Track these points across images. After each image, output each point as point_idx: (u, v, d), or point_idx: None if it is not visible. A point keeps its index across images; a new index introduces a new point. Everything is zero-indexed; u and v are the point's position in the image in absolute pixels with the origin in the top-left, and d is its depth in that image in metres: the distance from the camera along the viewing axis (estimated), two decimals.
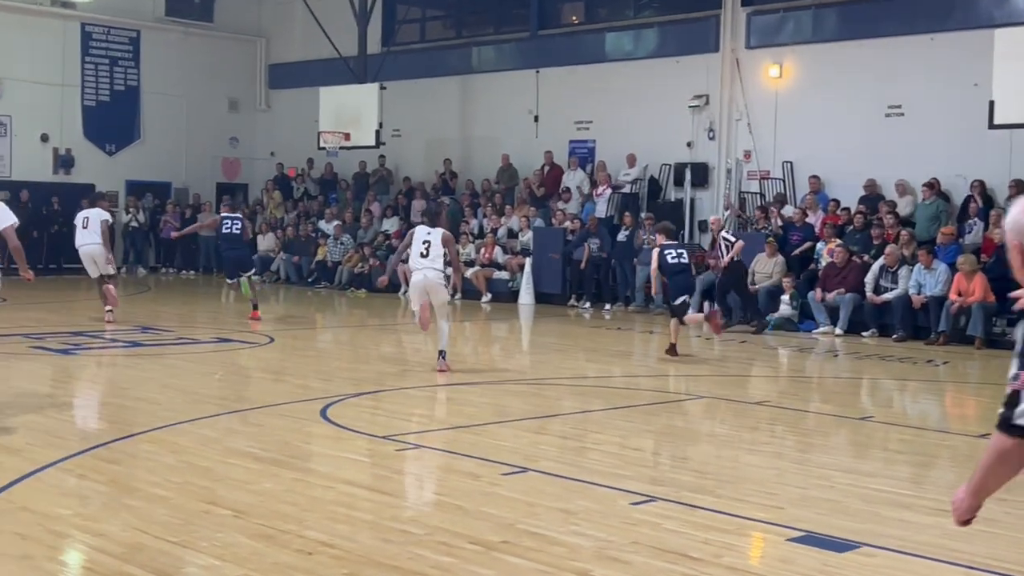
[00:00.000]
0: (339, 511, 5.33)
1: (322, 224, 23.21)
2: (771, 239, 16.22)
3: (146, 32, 25.22)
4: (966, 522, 2.95)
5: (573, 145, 21.09)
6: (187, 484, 5.80)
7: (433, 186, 22.92)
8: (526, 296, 18.69)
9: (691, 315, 12.49)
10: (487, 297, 18.67)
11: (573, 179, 20.32)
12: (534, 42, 21.83)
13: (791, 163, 18.13)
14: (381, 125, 20.68)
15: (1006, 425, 2.67)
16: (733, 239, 15.20)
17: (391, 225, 22.32)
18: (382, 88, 20.73)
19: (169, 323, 14.67)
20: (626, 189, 19.62)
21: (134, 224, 24.23)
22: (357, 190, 24.01)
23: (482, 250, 19.56)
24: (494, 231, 19.10)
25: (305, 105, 23.73)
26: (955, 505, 2.95)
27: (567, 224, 18.80)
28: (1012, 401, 2.63)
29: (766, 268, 16.12)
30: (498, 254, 19.46)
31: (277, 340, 12.90)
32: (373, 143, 20.83)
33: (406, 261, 10.44)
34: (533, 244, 19.13)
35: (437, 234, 10.37)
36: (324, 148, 21.49)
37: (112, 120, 24.71)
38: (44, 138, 23.93)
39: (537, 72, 21.49)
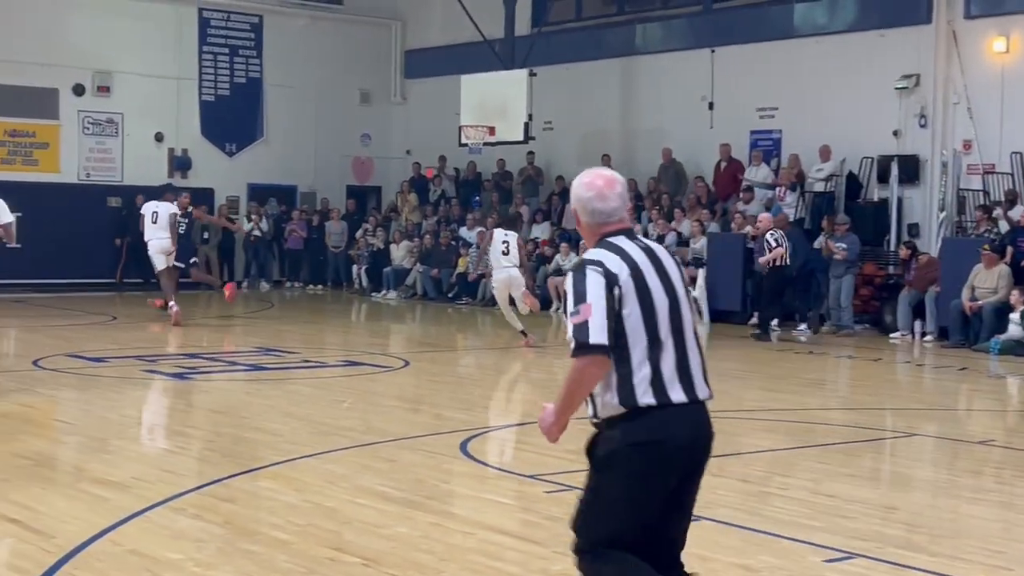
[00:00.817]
0: (481, 561, 5.36)
1: (463, 231, 23.53)
2: (986, 247, 15.65)
3: (269, 18, 26.13)
4: (557, 440, 4.03)
5: (755, 136, 20.79)
6: (311, 527, 5.94)
7: None
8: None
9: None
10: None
11: (755, 176, 20.03)
12: (708, 17, 21.65)
13: (1021, 155, 17.41)
14: (531, 117, 20.84)
15: (585, 348, 3.76)
16: (774, 243, 16.16)
17: (542, 232, 22.45)
18: (532, 74, 20.90)
19: (293, 344, 15.10)
20: (818, 187, 19.21)
21: (256, 233, 25.05)
22: (503, 192, 24.25)
23: None
24: (660, 238, 18.90)
25: (445, 96, 24.12)
26: (545, 428, 4.01)
27: (748, 229, 18.53)
28: (582, 330, 3.76)
29: (988, 281, 15.55)
30: None
31: (412, 364, 13.13)
32: (521, 138, 21.00)
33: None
34: (708, 253, 18.93)
35: (513, 236, 14.89)
36: (466, 144, 21.79)
37: (232, 117, 25.68)
38: (159, 138, 25.04)
39: (712, 52, 21.29)
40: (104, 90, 24.17)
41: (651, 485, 3.87)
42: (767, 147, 20.56)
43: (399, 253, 23.91)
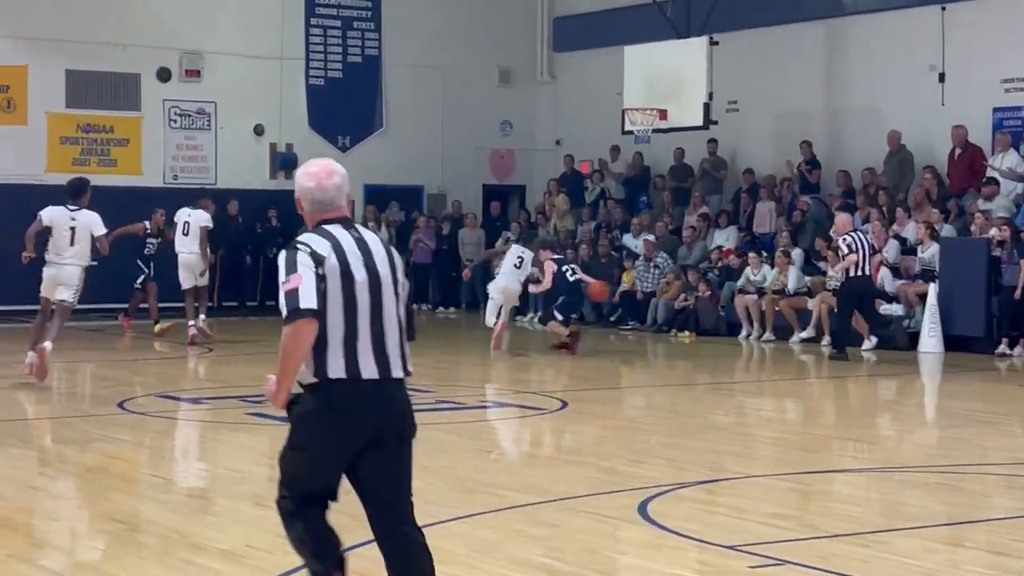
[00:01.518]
0: None
1: (627, 239, 23.55)
2: None
3: None
4: (283, 406, 5.23)
5: (999, 115, 20.34)
6: None
7: (785, 181, 22.73)
8: (931, 340, 18.16)
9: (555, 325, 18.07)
10: (869, 343, 18.26)
11: (1001, 165, 19.61)
12: None
13: None
14: (711, 96, 20.76)
15: (296, 312, 5.05)
16: (847, 249, 17.04)
17: (726, 238, 22.32)
18: (713, 43, 20.82)
19: (424, 380, 15.29)
20: None
21: None
22: (677, 190, 24.19)
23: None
24: (872, 250, 18.15)
25: (603, 73, 24.18)
26: (271, 395, 5.23)
27: (993, 233, 18.13)
28: (292, 297, 5.08)
29: None
30: (885, 278, 19.04)
31: (571, 405, 13.20)
32: (700, 122, 20.94)
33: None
34: (940, 263, 18.57)
35: (530, 255, 18.07)
36: (631, 132, 21.82)
37: (346, 103, 26.20)
38: (258, 130, 25.70)
39: (943, 9, 20.93)
40: (193, 74, 24.93)
41: (332, 449, 5.27)
42: (1015, 128, 20.10)
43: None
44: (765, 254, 20.83)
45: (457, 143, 27.10)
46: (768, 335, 19.88)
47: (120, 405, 12.78)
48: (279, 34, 25.65)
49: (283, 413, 5.34)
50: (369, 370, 5.20)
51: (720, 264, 21.53)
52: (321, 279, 5.15)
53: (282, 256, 5.27)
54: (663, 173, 24.79)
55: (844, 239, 17.21)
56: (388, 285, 5.29)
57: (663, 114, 21.09)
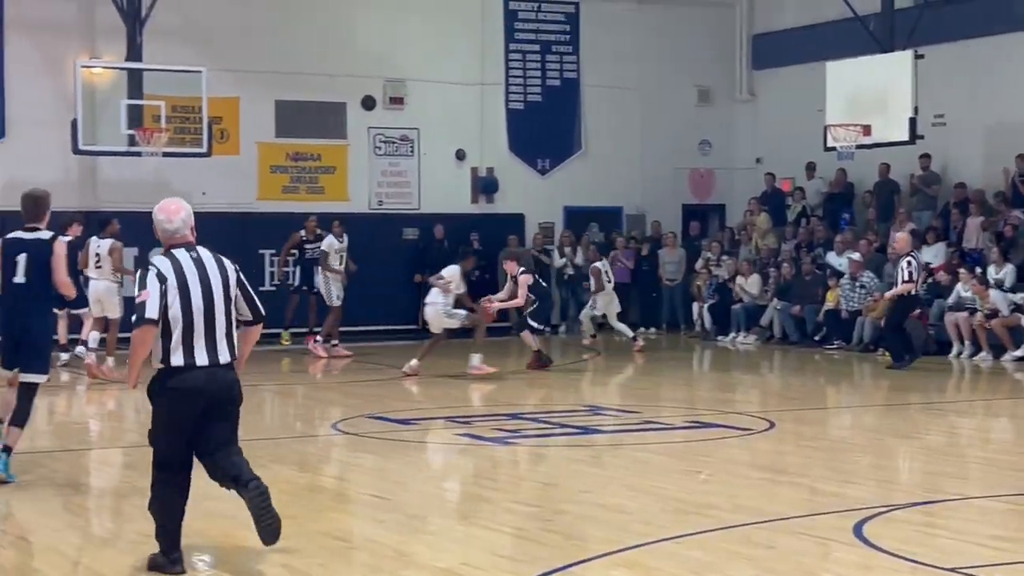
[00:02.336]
0: None
1: (831, 257, 23.23)
2: None
3: (587, 6, 26.75)
4: (135, 386, 7.28)
5: None
6: None
7: (999, 195, 22.15)
8: None
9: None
10: None
11: None
12: None
13: None
14: (917, 111, 20.37)
15: (141, 320, 6.87)
16: (907, 274, 17.79)
17: (935, 255, 21.82)
18: (918, 56, 20.42)
19: (629, 401, 15.35)
20: None
21: (570, 271, 25.58)
22: (882, 206, 23.77)
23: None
24: None
25: (804, 89, 23.92)
26: (127, 378, 7.20)
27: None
28: (141, 308, 6.88)
29: None
30: None
31: (778, 425, 13.08)
32: (906, 136, 20.55)
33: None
34: None
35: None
36: (834, 148, 21.53)
37: (545, 127, 26.42)
38: (460, 156, 26.07)
39: None
40: (397, 102, 25.42)
41: (176, 419, 7.12)
42: None
43: (750, 286, 23.85)
44: (979, 270, 20.34)
45: (656, 163, 27.08)
46: (984, 353, 19.40)
47: (334, 426, 13.09)
48: (479, 60, 26.00)
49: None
50: (202, 359, 7.05)
51: (929, 280, 21.06)
52: (164, 294, 6.98)
53: (139, 273, 7.08)
54: (866, 189, 24.39)
55: (910, 260, 17.81)
56: (219, 293, 7.11)
57: (867, 130, 20.77)
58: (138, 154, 21.19)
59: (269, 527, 7.22)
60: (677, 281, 25.54)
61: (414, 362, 17.77)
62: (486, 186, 26.12)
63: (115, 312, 18.35)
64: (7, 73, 22.70)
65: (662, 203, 27.18)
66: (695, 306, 24.97)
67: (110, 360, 17.79)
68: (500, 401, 15.47)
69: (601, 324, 22.32)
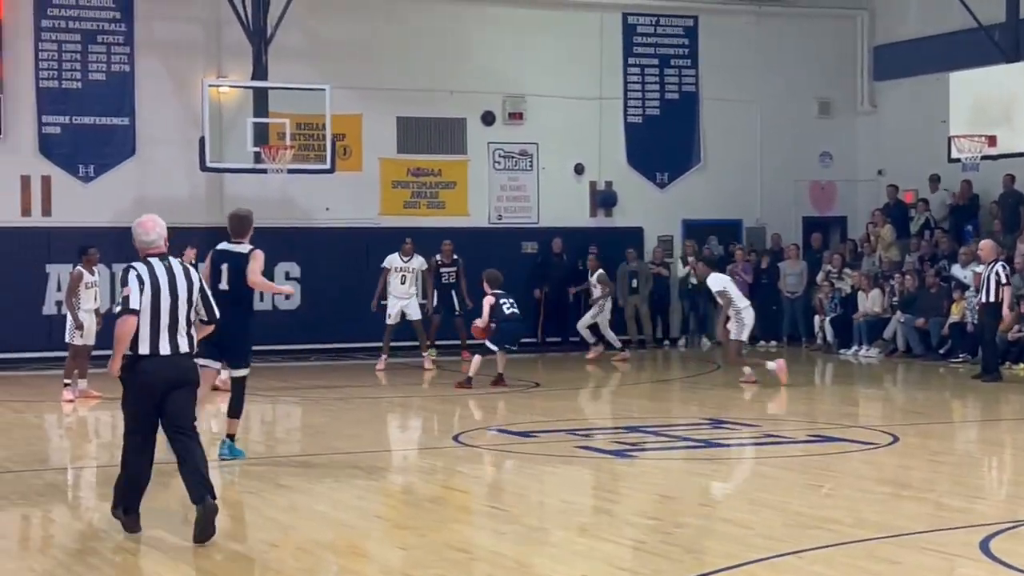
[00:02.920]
0: None
1: (956, 269, 22.83)
2: None
3: (706, 19, 26.66)
4: (117, 373, 8.63)
5: None
6: None
7: None
8: None
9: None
10: None
11: None
12: None
13: None
14: None
15: (127, 310, 8.40)
16: (1005, 278, 17.78)
17: None
18: None
19: (749, 414, 15.23)
20: None
21: (693, 281, 25.44)
22: (1008, 218, 23.32)
23: None
24: None
25: (927, 100, 23.58)
26: (111, 364, 8.65)
27: None
28: (127, 300, 8.44)
29: None
30: None
31: (902, 439, 12.89)
32: None
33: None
34: None
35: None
36: (958, 159, 21.21)
37: (663, 141, 26.33)
38: (578, 170, 26.09)
39: None
40: (517, 117, 25.53)
41: (142, 396, 8.56)
42: None
43: (873, 299, 23.54)
44: None
45: (776, 176, 26.89)
46: None
47: (455, 439, 13.17)
48: (598, 75, 26.00)
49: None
50: (165, 349, 8.50)
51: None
52: (141, 292, 8.43)
53: (122, 273, 8.69)
54: (991, 200, 23.96)
55: (1003, 268, 18.05)
56: (183, 297, 8.57)
57: (992, 140, 20.45)
58: (263, 171, 21.52)
59: (201, 534, 8.29)
60: (798, 294, 25.28)
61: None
62: (605, 200, 26.11)
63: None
64: (138, 93, 23.21)
65: (782, 215, 26.97)
66: (816, 319, 24.72)
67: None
68: (620, 414, 15.45)
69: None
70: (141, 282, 8.46)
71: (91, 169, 22.98)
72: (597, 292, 22.39)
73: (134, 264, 8.61)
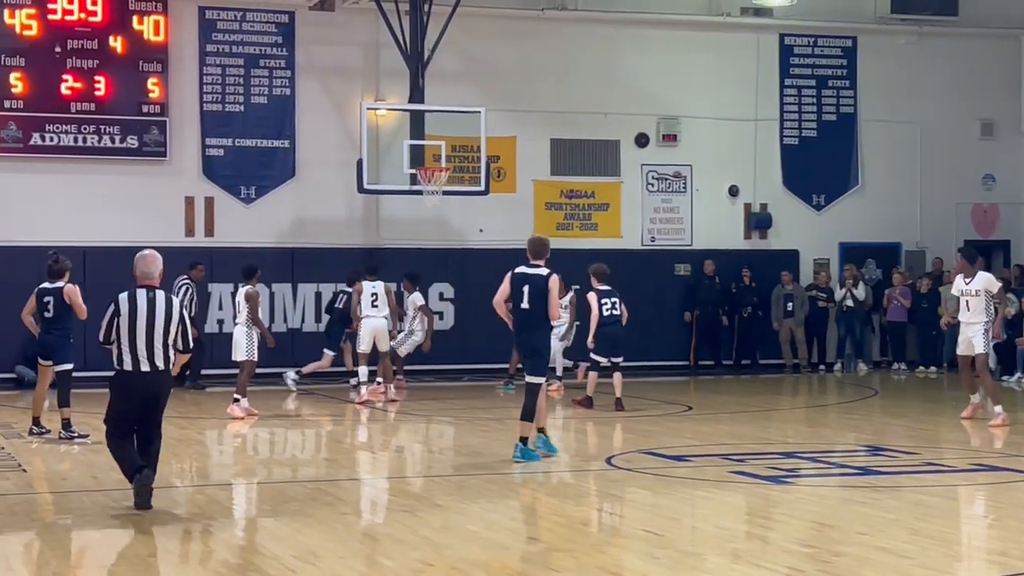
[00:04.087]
0: None
1: None
2: None
3: (864, 39, 26.29)
4: None
5: None
6: None
7: None
8: None
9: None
10: None
11: None
12: None
13: None
14: None
15: (99, 340, 10.55)
16: None
17: None
18: None
19: (905, 442, 14.93)
20: None
21: (849, 303, 25.04)
22: None
23: None
24: None
25: None
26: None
27: None
28: (98, 331, 10.50)
29: None
30: None
31: None
32: None
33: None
34: None
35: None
36: None
37: (820, 163, 26.01)
38: (733, 192, 25.90)
39: None
40: (670, 139, 25.45)
41: (123, 404, 10.28)
42: None
43: None
44: None
45: (936, 199, 26.41)
46: None
47: (608, 461, 13.14)
48: (753, 96, 25.80)
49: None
50: (143, 366, 10.17)
51: None
52: (114, 323, 10.21)
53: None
54: None
55: None
56: (160, 324, 10.15)
57: None
58: (419, 192, 21.74)
59: (139, 501, 10.10)
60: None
61: None
62: (759, 222, 25.89)
63: (384, 345, 19.07)
64: (298, 116, 23.65)
65: (943, 239, 26.40)
66: None
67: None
68: (775, 440, 15.27)
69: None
70: (116, 314, 10.20)
71: (252, 191, 23.46)
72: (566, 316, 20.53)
73: (119, 296, 10.29)
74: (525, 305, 12.69)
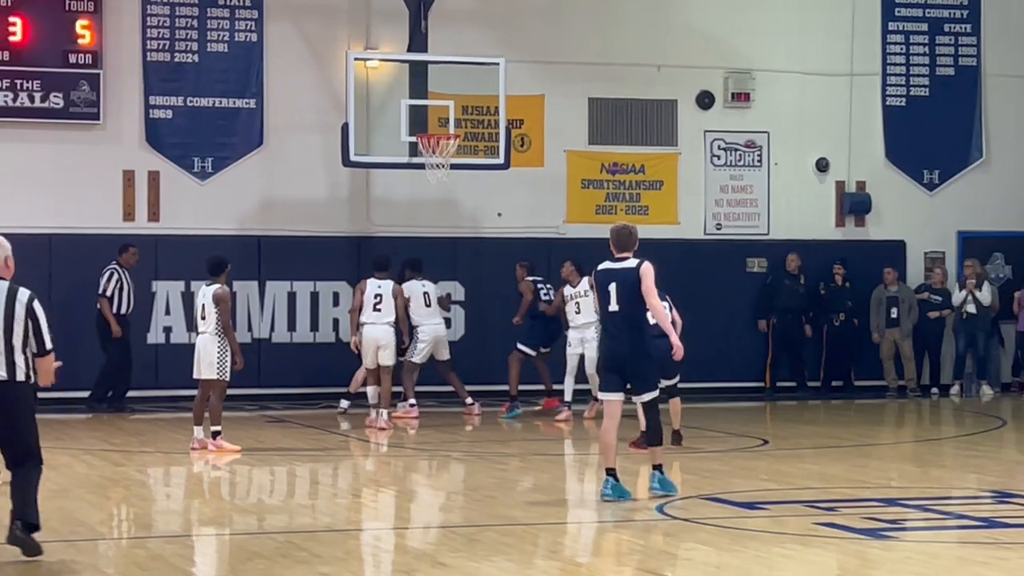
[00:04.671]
0: None
1: None
2: None
3: None
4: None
5: None
6: None
7: None
8: None
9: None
10: None
11: None
12: None
13: None
14: None
15: None
16: None
17: None
18: None
19: None
20: None
21: (970, 309, 24.95)
22: None
23: None
24: None
25: None
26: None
27: None
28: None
29: None
30: None
31: None
32: None
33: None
34: None
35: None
36: None
37: (934, 130, 26.01)
38: (821, 166, 25.88)
39: None
40: (742, 99, 25.41)
41: None
42: None
43: None
44: None
45: None
46: None
47: (660, 509, 13.10)
48: (848, 46, 25.81)
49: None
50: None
51: None
52: None
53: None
54: None
55: None
56: (9, 322, 10.12)
57: None
58: (421, 166, 21.72)
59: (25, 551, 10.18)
60: None
61: None
62: (855, 205, 25.87)
63: (387, 358, 19.26)
64: (267, 69, 23.72)
65: None
66: None
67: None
68: (874, 482, 15.23)
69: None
70: None
71: (209, 163, 23.53)
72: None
73: None
74: (613, 307, 13.24)
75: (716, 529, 12.17)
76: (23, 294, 10.22)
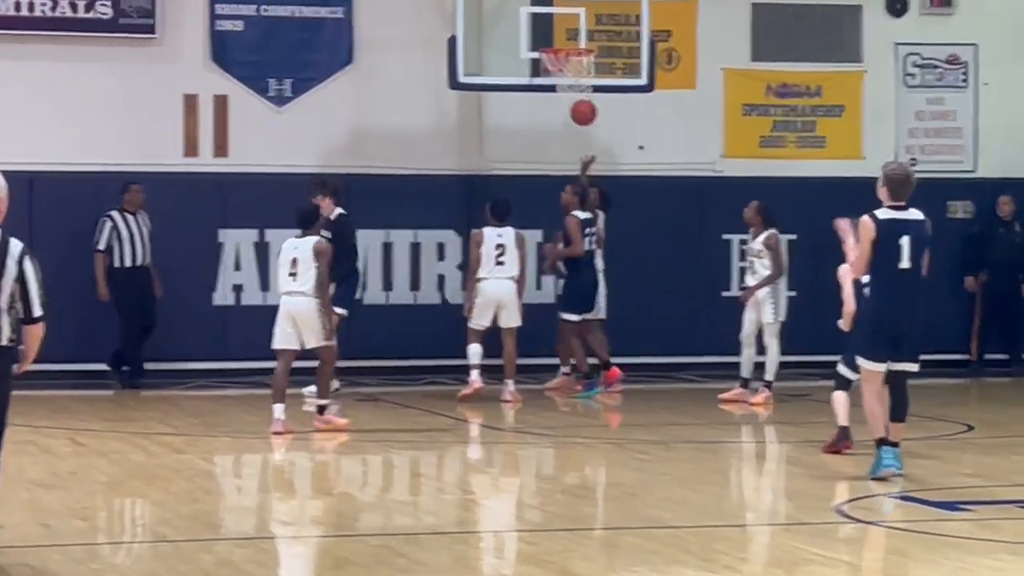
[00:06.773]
0: None
1: None
2: None
3: None
4: None
5: None
6: None
7: None
8: None
9: None
10: None
11: None
12: None
13: None
14: None
15: None
16: None
17: None
18: None
19: None
20: None
21: None
22: None
23: None
24: None
25: None
26: None
27: None
28: None
29: None
30: None
31: None
32: None
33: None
34: None
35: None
36: None
37: None
38: None
39: None
40: (941, 4, 25.15)
41: None
42: None
43: None
44: None
45: None
46: None
47: (838, 510, 13.09)
48: None
49: None
50: None
51: None
52: None
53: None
54: None
55: None
56: None
57: None
58: (548, 88, 21.69)
59: None
60: None
61: None
62: None
63: (512, 319, 20.40)
64: None
65: None
66: None
67: None
68: None
69: None
70: None
71: (287, 86, 23.65)
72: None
73: None
74: (904, 264, 13.77)
75: (907, 535, 12.18)
76: (15, 247, 10.21)
